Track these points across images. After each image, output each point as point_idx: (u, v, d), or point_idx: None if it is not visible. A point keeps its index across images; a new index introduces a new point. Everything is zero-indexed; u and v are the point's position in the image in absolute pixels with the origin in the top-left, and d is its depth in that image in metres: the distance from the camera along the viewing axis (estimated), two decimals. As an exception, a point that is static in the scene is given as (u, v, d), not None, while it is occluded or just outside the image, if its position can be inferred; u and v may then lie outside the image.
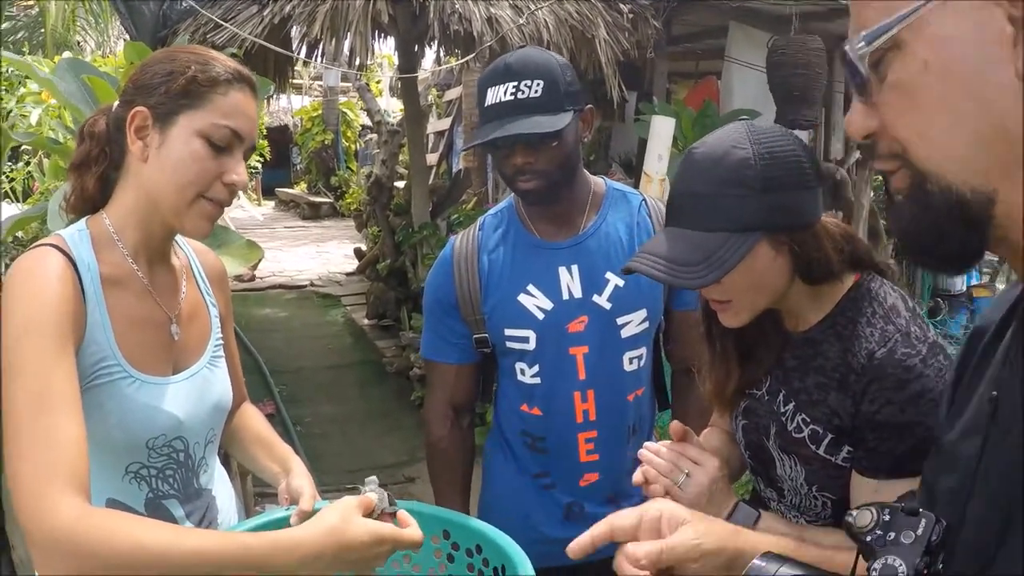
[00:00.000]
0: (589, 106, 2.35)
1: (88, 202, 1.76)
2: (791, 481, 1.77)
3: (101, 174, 1.75)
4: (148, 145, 1.66)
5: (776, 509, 1.87)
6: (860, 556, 1.07)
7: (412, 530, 1.58)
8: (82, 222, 1.73)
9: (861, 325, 1.64)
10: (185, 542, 1.38)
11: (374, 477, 1.68)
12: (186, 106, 1.64)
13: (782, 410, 1.77)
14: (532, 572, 1.62)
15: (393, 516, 1.61)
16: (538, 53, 2.29)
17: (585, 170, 2.45)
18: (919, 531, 0.97)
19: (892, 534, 1.00)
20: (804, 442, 1.71)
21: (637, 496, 2.23)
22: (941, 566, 0.96)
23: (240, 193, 1.78)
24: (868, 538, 1.02)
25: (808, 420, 1.70)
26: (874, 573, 0.97)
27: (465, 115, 11.68)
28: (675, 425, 1.75)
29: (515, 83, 2.20)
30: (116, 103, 1.75)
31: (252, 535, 1.45)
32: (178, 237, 1.91)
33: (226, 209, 1.76)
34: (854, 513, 1.06)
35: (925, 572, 0.95)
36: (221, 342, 1.94)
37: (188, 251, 1.96)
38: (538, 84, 2.20)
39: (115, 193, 1.75)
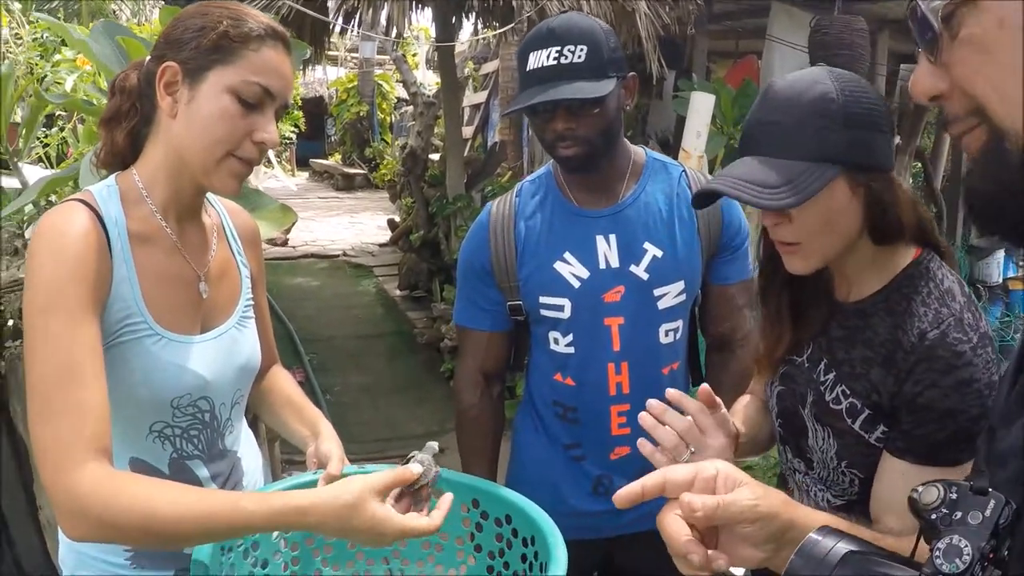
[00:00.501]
0: (632, 74, 2.31)
1: (118, 157, 1.74)
2: (821, 453, 1.75)
3: (131, 129, 1.72)
4: (177, 101, 1.62)
5: (802, 481, 1.84)
6: (921, 536, 1.02)
7: (429, 521, 1.55)
8: (111, 178, 1.71)
9: (916, 303, 1.60)
10: (197, 508, 1.42)
11: (433, 445, 1.66)
12: (217, 61, 1.60)
13: (822, 379, 1.73)
14: (563, 544, 1.59)
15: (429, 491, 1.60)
16: (582, 18, 2.24)
17: (625, 139, 2.41)
18: (987, 512, 0.92)
19: (959, 513, 0.94)
20: (841, 415, 1.68)
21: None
22: (1007, 553, 0.92)
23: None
24: (933, 516, 0.97)
25: (848, 392, 1.67)
26: (937, 553, 0.92)
27: (501, 88, 11.66)
28: (704, 389, 1.69)
29: (558, 48, 2.17)
30: (147, 58, 1.72)
31: (260, 501, 1.46)
32: (211, 196, 1.89)
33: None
34: (920, 489, 1.00)
35: (991, 556, 0.90)
36: (251, 303, 1.91)
37: (221, 210, 1.93)
38: (581, 49, 2.16)
39: (145, 149, 1.72)
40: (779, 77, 1.65)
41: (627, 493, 1.19)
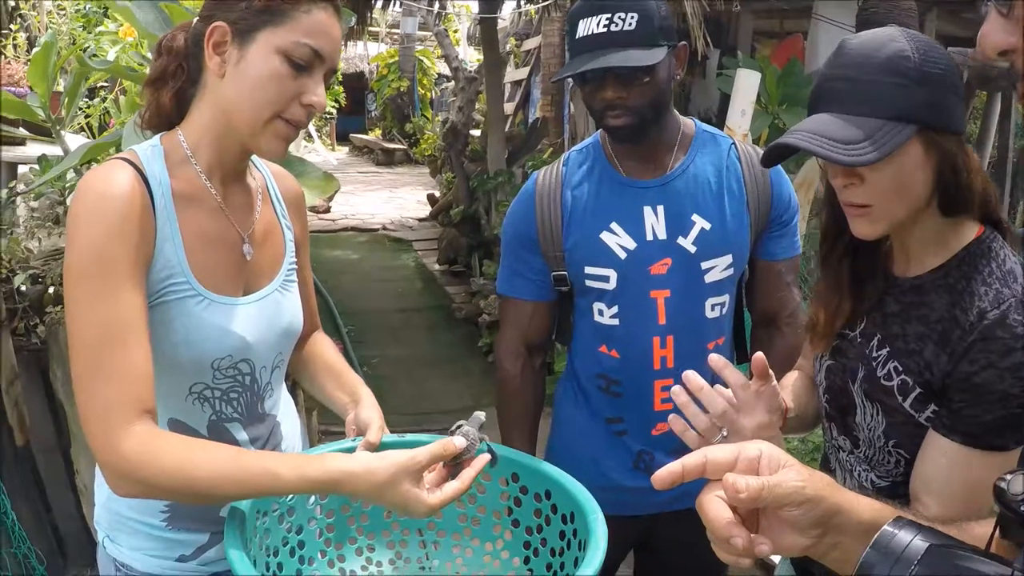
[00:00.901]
0: (683, 43, 2.27)
1: (163, 117, 1.72)
2: (868, 431, 1.71)
3: (177, 90, 1.70)
4: (226, 61, 1.60)
5: (846, 460, 1.81)
6: (998, 528, 0.98)
7: (458, 484, 1.55)
8: (156, 138, 1.69)
9: (976, 282, 1.56)
10: (234, 474, 1.46)
11: (480, 415, 1.63)
12: (267, 22, 1.58)
13: (874, 355, 1.69)
14: (604, 522, 1.55)
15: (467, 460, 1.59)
16: None
17: (675, 110, 2.36)
18: None
19: None
20: (892, 392, 1.64)
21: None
22: None
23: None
24: (1023, 507, 0.93)
25: (900, 369, 1.63)
26: None
27: (544, 65, 11.62)
28: (759, 359, 1.64)
29: (608, 15, 2.12)
30: (195, 20, 1.70)
31: (298, 467, 1.48)
32: (256, 159, 1.87)
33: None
34: (1007, 478, 0.96)
35: None
36: (295, 266, 1.89)
37: (266, 173, 1.91)
38: (632, 17, 2.11)
39: (191, 110, 1.70)
40: (852, 36, 1.60)
41: (666, 474, 1.12)
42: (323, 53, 1.61)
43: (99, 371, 1.45)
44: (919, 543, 1.02)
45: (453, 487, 1.53)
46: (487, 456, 1.61)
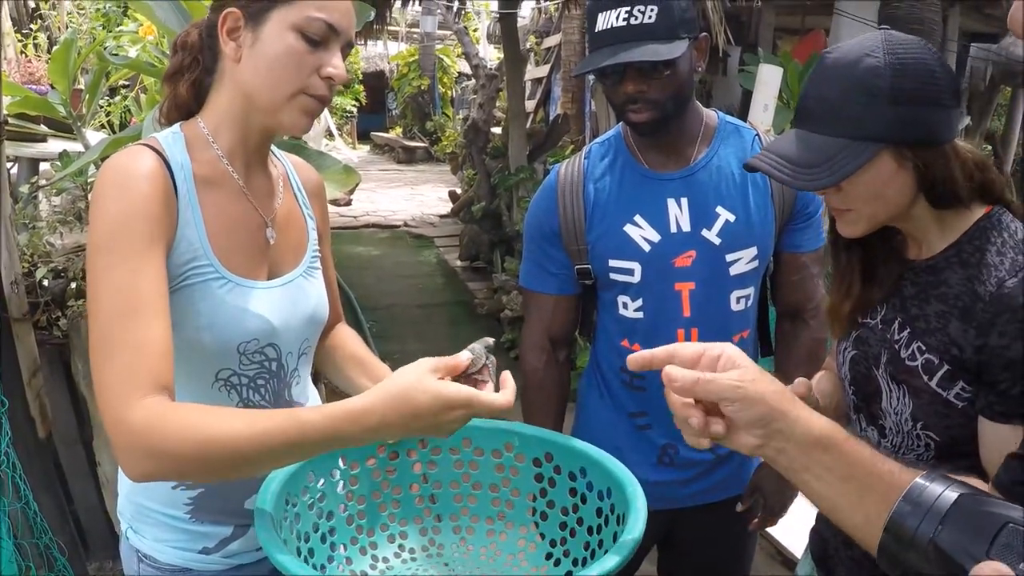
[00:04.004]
0: (704, 34, 2.24)
1: (182, 109, 1.73)
2: (895, 416, 1.70)
3: (194, 80, 1.71)
4: (241, 45, 1.61)
5: None
6: None
7: (499, 396, 1.44)
8: (176, 126, 1.70)
9: (990, 254, 1.58)
10: (253, 428, 1.35)
11: (489, 340, 1.57)
12: (277, 2, 1.59)
13: (896, 337, 1.70)
14: (642, 494, 1.52)
15: (486, 376, 1.49)
16: None
17: (697, 101, 2.35)
18: None
19: None
20: (917, 372, 1.64)
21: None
22: None
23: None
24: None
25: (924, 348, 1.63)
26: None
27: (564, 62, 11.62)
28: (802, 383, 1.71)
29: (628, 8, 2.10)
30: (208, 13, 1.71)
31: (320, 411, 1.39)
32: (276, 150, 1.87)
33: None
34: None
35: None
36: (318, 254, 1.89)
37: (286, 163, 1.91)
38: (652, 9, 2.09)
39: (209, 97, 1.71)
40: (833, 47, 1.64)
41: (637, 356, 1.25)
42: (337, 26, 1.61)
43: (114, 344, 1.40)
44: (949, 494, 1.04)
45: (497, 397, 1.42)
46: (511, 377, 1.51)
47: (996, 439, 1.53)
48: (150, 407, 1.36)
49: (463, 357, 1.46)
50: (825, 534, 1.97)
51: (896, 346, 1.69)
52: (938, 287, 1.64)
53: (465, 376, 1.46)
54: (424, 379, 1.38)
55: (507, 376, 1.50)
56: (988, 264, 1.56)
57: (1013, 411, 1.50)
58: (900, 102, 1.52)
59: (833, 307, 1.86)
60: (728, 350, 1.20)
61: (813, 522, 2.02)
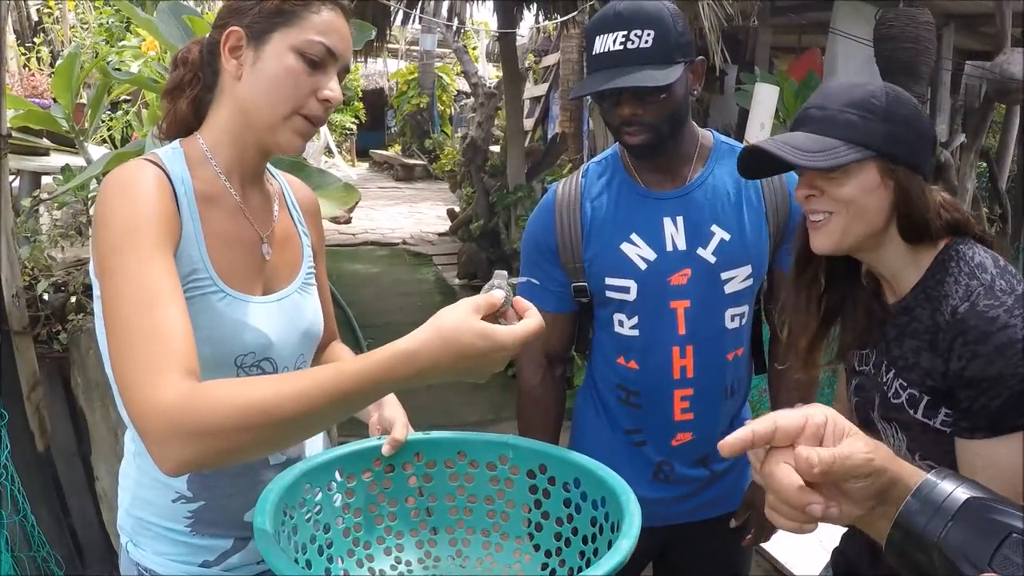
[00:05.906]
0: (700, 57, 2.28)
1: (181, 125, 1.76)
2: (895, 451, 1.72)
3: (194, 97, 1.75)
4: (243, 64, 1.65)
5: None
6: None
7: (530, 321, 1.41)
8: (176, 142, 1.73)
9: (948, 284, 1.67)
10: (295, 383, 1.32)
11: (504, 272, 1.55)
12: (280, 23, 1.63)
13: (883, 379, 1.80)
14: (636, 501, 1.52)
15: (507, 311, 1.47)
16: (649, 1, 2.21)
17: (693, 122, 2.37)
18: None
19: None
20: (903, 407, 1.73)
21: (729, 459, 2.19)
22: None
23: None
24: None
25: (905, 385, 1.72)
26: None
27: (562, 81, 11.65)
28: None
29: (624, 32, 2.13)
30: (210, 31, 1.75)
31: (362, 358, 1.36)
32: (272, 169, 1.90)
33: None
34: None
35: None
36: (313, 271, 1.91)
37: (282, 182, 1.94)
38: (648, 34, 2.12)
39: (209, 114, 1.74)
40: (834, 80, 1.74)
41: (735, 439, 1.08)
42: (336, 51, 1.66)
43: (134, 335, 1.37)
44: (959, 495, 1.04)
45: (532, 323, 1.41)
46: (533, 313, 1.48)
47: (968, 454, 1.61)
48: (181, 387, 1.31)
49: (497, 296, 1.42)
50: (850, 553, 2.00)
51: (884, 388, 1.79)
52: (912, 325, 1.73)
53: (501, 310, 1.44)
54: (471, 320, 1.35)
55: (520, 300, 1.48)
56: (946, 295, 1.66)
57: (975, 425, 1.59)
58: (893, 121, 1.68)
59: (790, 342, 1.96)
60: (830, 414, 1.10)
61: (817, 537, 2.06)
